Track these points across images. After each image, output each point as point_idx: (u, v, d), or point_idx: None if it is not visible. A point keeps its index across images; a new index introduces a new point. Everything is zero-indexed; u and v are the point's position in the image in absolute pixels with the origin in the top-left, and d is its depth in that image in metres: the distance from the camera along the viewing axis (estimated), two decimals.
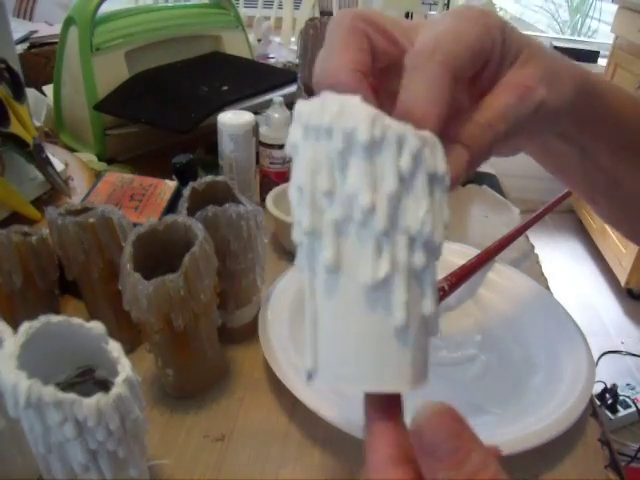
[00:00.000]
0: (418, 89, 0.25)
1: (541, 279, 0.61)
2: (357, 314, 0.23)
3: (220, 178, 0.47)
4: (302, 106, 0.22)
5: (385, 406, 0.23)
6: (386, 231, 0.22)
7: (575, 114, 0.31)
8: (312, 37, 0.77)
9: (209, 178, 0.47)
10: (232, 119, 0.64)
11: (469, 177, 0.83)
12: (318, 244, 0.23)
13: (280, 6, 1.95)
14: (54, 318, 0.31)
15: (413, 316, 0.23)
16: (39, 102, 0.83)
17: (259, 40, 1.21)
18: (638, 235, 0.44)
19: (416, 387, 0.24)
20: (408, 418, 0.23)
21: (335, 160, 0.22)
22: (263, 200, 0.64)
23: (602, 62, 2.51)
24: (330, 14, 1.80)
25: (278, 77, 0.84)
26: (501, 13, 2.65)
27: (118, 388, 0.28)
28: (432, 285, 0.25)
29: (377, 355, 0.23)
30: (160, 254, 0.42)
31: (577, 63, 0.31)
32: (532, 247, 0.67)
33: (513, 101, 0.27)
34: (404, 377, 0.24)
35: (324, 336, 0.23)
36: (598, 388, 1.57)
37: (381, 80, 0.28)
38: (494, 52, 0.27)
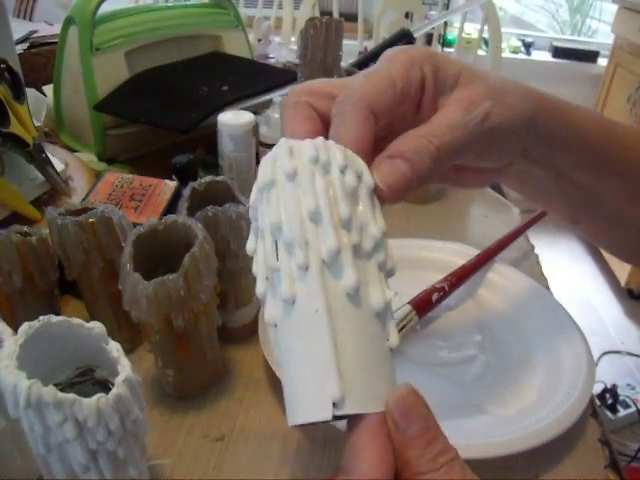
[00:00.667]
0: (340, 130, 0.28)
1: (541, 279, 0.61)
2: (372, 335, 0.24)
3: (220, 178, 0.47)
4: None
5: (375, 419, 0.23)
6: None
7: (537, 131, 0.32)
8: (312, 37, 0.77)
9: (209, 178, 0.47)
10: (232, 119, 0.64)
11: None
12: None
13: (280, 6, 1.95)
14: (54, 318, 0.31)
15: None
16: (39, 102, 0.83)
17: (259, 40, 1.21)
18: (624, 251, 0.45)
19: None
20: None
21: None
22: None
23: (602, 62, 2.51)
24: (330, 14, 1.80)
25: (278, 77, 0.84)
26: (501, 13, 2.65)
27: (118, 388, 0.28)
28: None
29: (387, 376, 0.24)
30: (160, 254, 0.42)
31: (531, 86, 0.33)
32: (532, 247, 0.67)
33: (457, 114, 0.29)
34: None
35: (349, 359, 0.23)
36: (598, 388, 1.57)
37: None
38: (427, 80, 0.29)
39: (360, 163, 0.26)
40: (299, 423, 0.23)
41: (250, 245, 0.27)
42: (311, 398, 0.23)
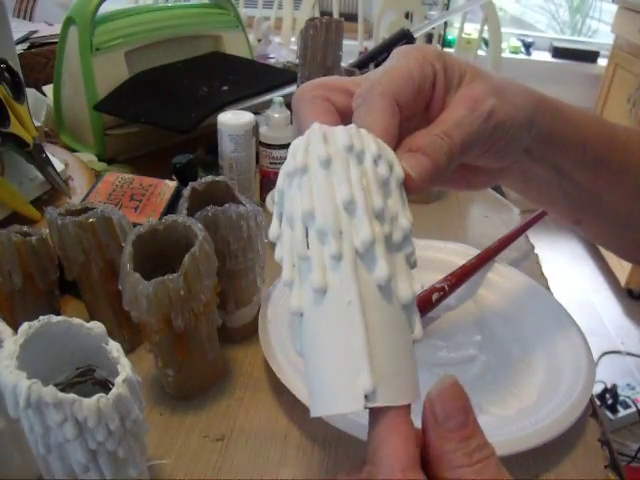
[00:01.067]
0: (368, 120, 0.28)
1: (541, 279, 0.61)
2: (400, 327, 0.24)
3: (220, 178, 0.47)
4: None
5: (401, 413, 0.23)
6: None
7: (538, 129, 0.33)
8: (312, 37, 0.77)
9: (209, 178, 0.47)
10: (232, 119, 0.64)
11: None
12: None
13: (280, 6, 1.95)
14: (54, 318, 0.31)
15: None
16: (39, 102, 0.83)
17: (259, 40, 1.21)
18: (625, 250, 0.45)
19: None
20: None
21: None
22: (263, 200, 0.64)
23: (602, 62, 2.51)
24: (330, 14, 1.80)
25: (278, 77, 0.84)
26: (501, 13, 2.65)
27: (118, 388, 0.28)
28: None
29: (412, 368, 0.24)
30: (160, 254, 0.42)
31: (530, 87, 0.34)
32: (532, 247, 0.67)
33: (463, 112, 0.29)
34: (416, 387, 0.24)
35: (380, 351, 0.23)
36: (598, 388, 1.57)
37: None
38: (438, 77, 0.30)
39: (391, 154, 0.27)
40: (327, 414, 0.23)
41: (274, 231, 0.26)
42: (342, 389, 0.22)
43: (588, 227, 0.43)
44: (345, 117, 0.30)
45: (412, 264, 0.26)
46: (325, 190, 0.24)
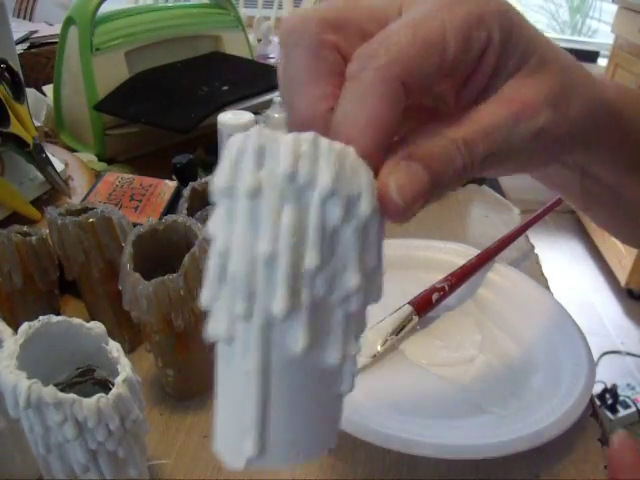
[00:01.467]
0: (351, 111, 0.19)
1: (541, 279, 0.61)
2: (316, 390, 0.21)
3: None
4: None
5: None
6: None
7: (580, 141, 0.25)
8: None
9: (209, 178, 0.47)
10: (232, 119, 0.64)
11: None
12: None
13: (280, 6, 1.95)
14: (54, 318, 0.31)
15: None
16: (39, 102, 0.83)
17: (259, 40, 1.21)
18: (635, 239, 0.43)
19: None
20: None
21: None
22: None
23: (602, 62, 2.51)
24: None
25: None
26: None
27: (118, 388, 0.28)
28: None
29: (325, 425, 0.22)
30: (160, 254, 0.42)
31: (593, 74, 0.25)
32: (532, 247, 0.67)
33: (504, 119, 0.21)
34: (333, 436, 0.23)
35: (276, 416, 0.21)
36: (598, 388, 1.57)
37: None
38: (490, 49, 0.21)
39: (361, 181, 0.19)
40: (219, 455, 0.22)
41: (213, 228, 0.19)
42: (230, 442, 0.21)
43: (598, 216, 0.39)
44: None
45: (358, 324, 0.21)
46: (244, 233, 0.18)
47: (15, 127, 0.57)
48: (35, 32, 1.04)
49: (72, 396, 0.27)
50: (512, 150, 0.22)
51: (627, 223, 0.38)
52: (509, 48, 0.21)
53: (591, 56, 2.57)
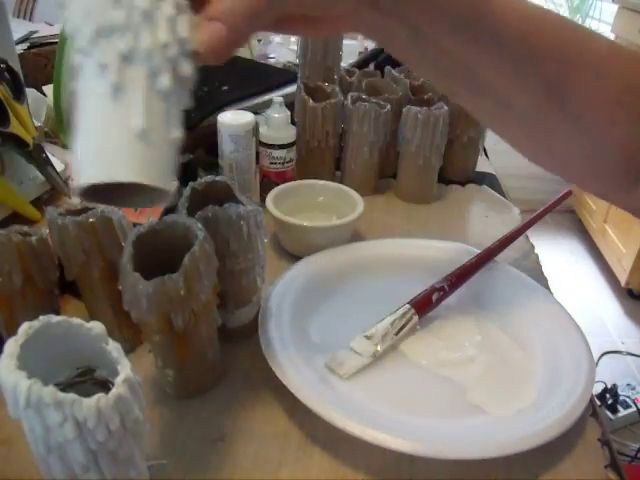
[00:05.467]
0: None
1: (541, 279, 0.61)
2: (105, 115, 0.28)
3: (220, 178, 0.47)
4: None
5: None
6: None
7: None
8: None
9: (209, 178, 0.47)
10: (232, 119, 0.64)
11: (468, 177, 0.83)
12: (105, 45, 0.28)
13: None
14: (54, 318, 0.31)
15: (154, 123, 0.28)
16: (39, 102, 0.83)
17: (259, 40, 1.21)
18: (502, 127, 0.38)
19: (163, 185, 0.29)
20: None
21: None
22: (263, 200, 0.64)
23: None
24: None
25: (278, 77, 0.84)
26: None
27: (118, 388, 0.28)
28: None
29: (125, 153, 0.28)
30: (160, 254, 0.42)
31: None
32: (532, 247, 0.67)
33: None
34: (152, 175, 0.28)
35: (84, 132, 0.28)
36: (598, 388, 1.57)
37: None
38: None
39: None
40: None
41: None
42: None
43: (464, 99, 0.37)
44: None
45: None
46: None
47: (15, 127, 0.57)
48: (35, 32, 1.04)
49: (72, 396, 0.27)
50: None
51: (488, 106, 0.37)
52: None
53: None
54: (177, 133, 0.30)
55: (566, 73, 0.32)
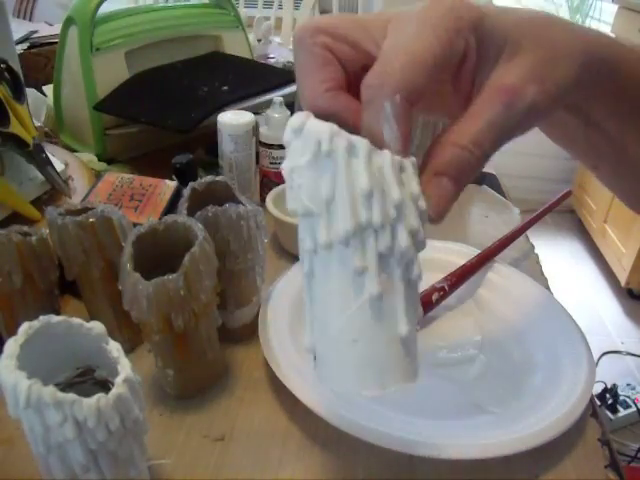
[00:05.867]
0: (372, 125, 0.25)
1: (541, 279, 0.61)
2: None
3: (220, 178, 0.47)
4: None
5: None
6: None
7: (580, 90, 0.28)
8: None
9: (209, 178, 0.47)
10: (232, 119, 0.64)
11: None
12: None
13: (280, 6, 1.95)
14: (54, 318, 0.31)
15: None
16: (39, 102, 0.83)
17: (259, 40, 1.21)
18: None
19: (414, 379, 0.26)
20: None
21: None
22: (263, 200, 0.64)
23: None
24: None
25: (278, 77, 0.84)
26: None
27: (118, 388, 0.28)
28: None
29: (394, 359, 0.25)
30: (160, 254, 0.42)
31: (583, 28, 0.28)
32: (532, 247, 0.67)
33: (497, 111, 0.26)
34: (404, 375, 0.26)
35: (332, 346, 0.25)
36: (598, 388, 1.57)
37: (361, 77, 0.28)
38: (469, 52, 0.26)
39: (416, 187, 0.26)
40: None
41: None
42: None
43: (605, 175, 0.39)
44: (347, 67, 0.27)
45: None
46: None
47: (15, 127, 0.57)
48: (35, 32, 1.04)
49: (72, 396, 0.27)
50: (513, 130, 0.26)
51: (632, 183, 0.38)
52: (485, 46, 0.26)
53: None
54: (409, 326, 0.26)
55: None
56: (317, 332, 0.26)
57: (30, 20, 2.01)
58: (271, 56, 1.16)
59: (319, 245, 0.24)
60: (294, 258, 0.59)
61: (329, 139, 0.24)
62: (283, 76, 0.84)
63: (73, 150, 0.76)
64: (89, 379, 0.34)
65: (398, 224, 0.24)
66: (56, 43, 0.78)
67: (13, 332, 0.30)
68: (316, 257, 0.25)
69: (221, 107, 0.69)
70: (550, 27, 0.28)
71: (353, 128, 0.26)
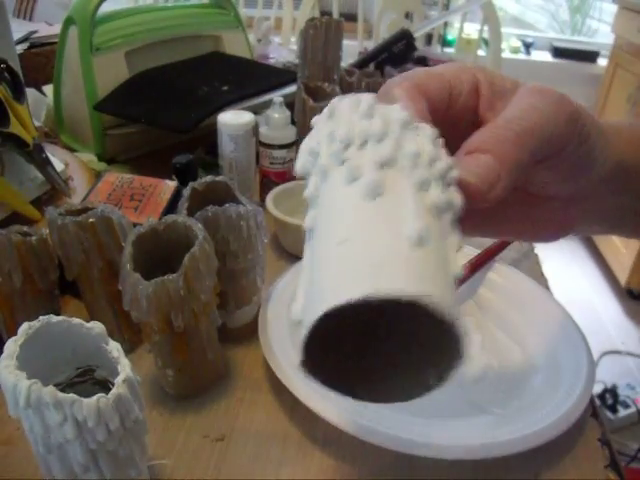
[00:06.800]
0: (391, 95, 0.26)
1: (541, 279, 0.61)
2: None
3: (220, 178, 0.47)
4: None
5: None
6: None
7: (620, 160, 0.29)
8: (312, 37, 0.77)
9: (209, 178, 0.47)
10: (232, 119, 0.64)
11: None
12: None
13: (280, 6, 1.95)
14: (54, 318, 0.31)
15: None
16: (39, 102, 0.83)
17: (259, 40, 1.21)
18: None
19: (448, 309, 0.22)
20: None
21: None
22: (263, 200, 0.64)
23: (602, 62, 2.51)
24: (330, 14, 1.80)
25: (278, 77, 0.84)
26: (501, 13, 2.64)
27: (118, 388, 0.28)
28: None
29: (402, 261, 0.22)
30: (160, 254, 0.42)
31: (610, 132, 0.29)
32: (532, 247, 0.67)
33: (534, 98, 0.26)
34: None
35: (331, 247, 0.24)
36: (598, 388, 1.57)
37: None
38: (481, 85, 0.27)
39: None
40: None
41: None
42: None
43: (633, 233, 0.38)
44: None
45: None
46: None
47: (15, 127, 0.57)
48: (35, 32, 1.04)
49: (72, 396, 0.27)
50: (554, 125, 0.25)
51: None
52: (497, 83, 0.28)
53: (591, 56, 2.57)
54: (457, 269, 0.23)
55: None
56: (316, 246, 0.26)
57: (30, 20, 2.01)
58: (271, 56, 1.16)
59: (324, 155, 0.25)
60: (294, 258, 0.59)
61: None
62: (283, 76, 0.84)
63: (73, 150, 0.76)
64: (89, 379, 0.34)
65: (404, 138, 0.24)
66: (56, 43, 0.78)
67: (13, 332, 0.30)
68: (321, 177, 0.27)
69: (221, 107, 0.69)
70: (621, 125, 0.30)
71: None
